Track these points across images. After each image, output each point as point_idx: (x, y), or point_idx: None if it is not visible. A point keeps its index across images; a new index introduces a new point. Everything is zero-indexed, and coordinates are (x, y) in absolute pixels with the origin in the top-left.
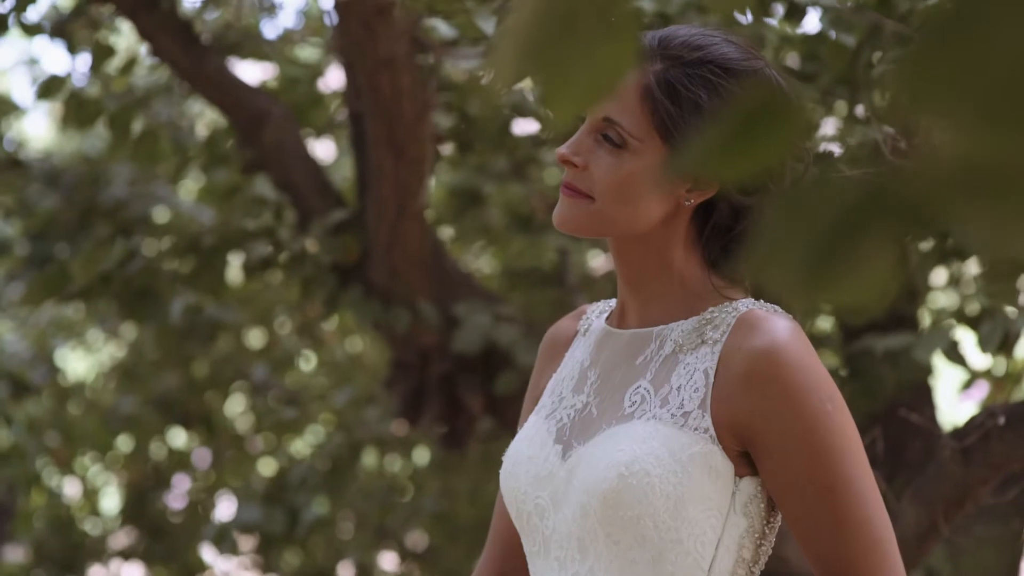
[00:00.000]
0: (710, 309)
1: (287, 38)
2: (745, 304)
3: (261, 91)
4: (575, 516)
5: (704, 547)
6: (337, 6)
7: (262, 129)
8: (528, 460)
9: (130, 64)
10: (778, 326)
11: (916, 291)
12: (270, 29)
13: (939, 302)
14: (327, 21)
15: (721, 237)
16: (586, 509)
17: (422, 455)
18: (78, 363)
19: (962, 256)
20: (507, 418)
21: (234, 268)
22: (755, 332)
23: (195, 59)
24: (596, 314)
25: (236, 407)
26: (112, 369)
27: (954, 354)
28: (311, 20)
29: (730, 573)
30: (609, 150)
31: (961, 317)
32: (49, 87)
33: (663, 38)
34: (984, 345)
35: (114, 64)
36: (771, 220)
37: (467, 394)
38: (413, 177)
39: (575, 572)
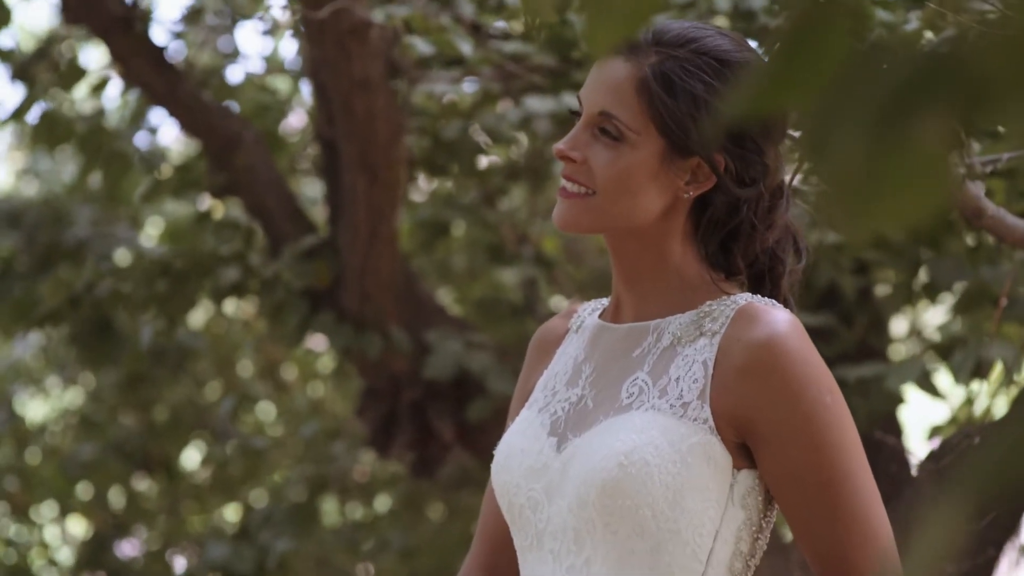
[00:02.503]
0: (708, 302)
1: (250, 82)
2: (744, 297)
3: (233, 116)
4: (571, 507)
5: (702, 538)
6: (311, 26)
7: (234, 153)
8: (521, 453)
9: (101, 85)
10: (778, 318)
11: (884, 324)
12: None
13: (909, 334)
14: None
15: (718, 231)
16: (583, 499)
17: (383, 502)
18: (37, 409)
19: (933, 292)
20: (479, 446)
21: (198, 310)
22: (755, 324)
23: (168, 82)
24: (588, 311)
25: (196, 455)
26: (71, 415)
27: (926, 383)
28: (274, 62)
29: (727, 565)
30: (607, 144)
31: (933, 347)
32: (21, 109)
33: (656, 31)
34: (957, 374)
35: (84, 86)
36: (826, 93)
37: (438, 422)
38: (386, 200)
39: (570, 564)
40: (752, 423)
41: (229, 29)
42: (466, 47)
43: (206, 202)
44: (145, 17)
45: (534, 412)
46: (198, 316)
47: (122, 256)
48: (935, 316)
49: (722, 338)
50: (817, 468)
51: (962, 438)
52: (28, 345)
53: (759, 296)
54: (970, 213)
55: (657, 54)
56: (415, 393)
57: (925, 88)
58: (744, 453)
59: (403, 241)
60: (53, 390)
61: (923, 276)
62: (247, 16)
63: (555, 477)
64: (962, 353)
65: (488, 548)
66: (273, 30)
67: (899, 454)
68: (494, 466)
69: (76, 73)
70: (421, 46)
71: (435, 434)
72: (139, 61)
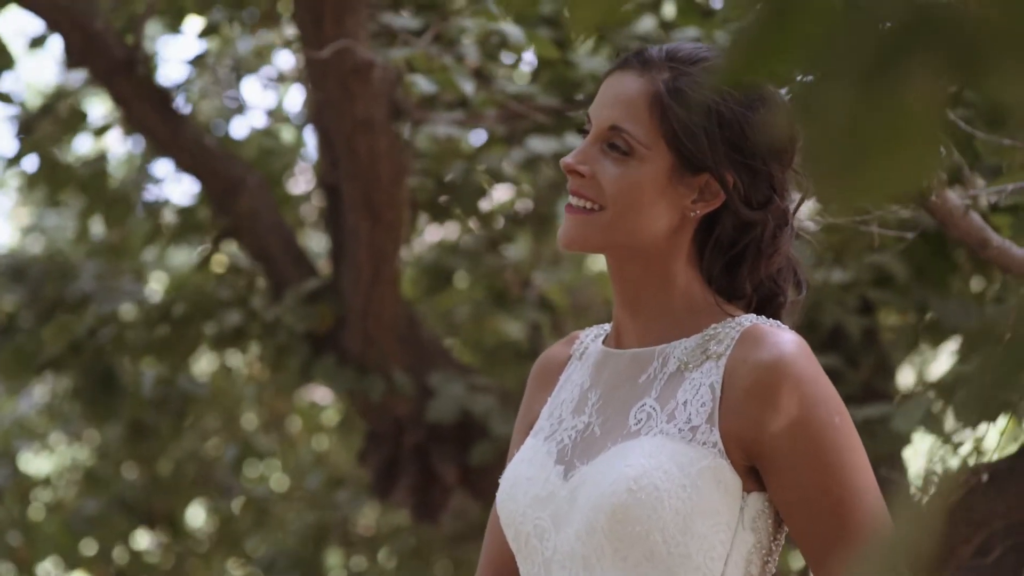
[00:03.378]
0: (712, 325)
1: (255, 133)
2: (749, 319)
3: (236, 160)
4: (579, 534)
5: (713, 563)
6: (314, 66)
7: (237, 198)
8: (527, 481)
9: (104, 130)
10: (784, 339)
11: (890, 366)
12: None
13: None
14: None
15: (723, 253)
16: (592, 526)
17: (388, 556)
18: (41, 465)
19: (939, 334)
20: (482, 489)
21: (201, 361)
22: (761, 345)
23: (171, 127)
24: (591, 338)
25: (200, 512)
26: (75, 470)
27: (932, 424)
28: (279, 114)
29: None
30: (616, 159)
31: (938, 387)
32: (19, 154)
33: (669, 49)
34: (961, 415)
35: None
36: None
37: (441, 465)
38: (389, 241)
39: None
40: (760, 445)
41: (234, 83)
42: (468, 86)
43: (208, 247)
44: (147, 61)
45: (540, 440)
46: (201, 367)
47: (127, 311)
48: (941, 364)
49: (728, 360)
50: (827, 489)
51: (969, 476)
52: (32, 402)
53: (764, 317)
54: (975, 243)
55: (671, 70)
56: (418, 436)
57: (916, 43)
58: (754, 476)
59: (407, 288)
60: (57, 446)
61: (928, 316)
62: (252, 70)
63: (562, 505)
64: (967, 394)
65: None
66: (278, 80)
67: (904, 492)
68: (499, 495)
69: (78, 118)
70: (423, 84)
71: (438, 478)
72: (141, 105)
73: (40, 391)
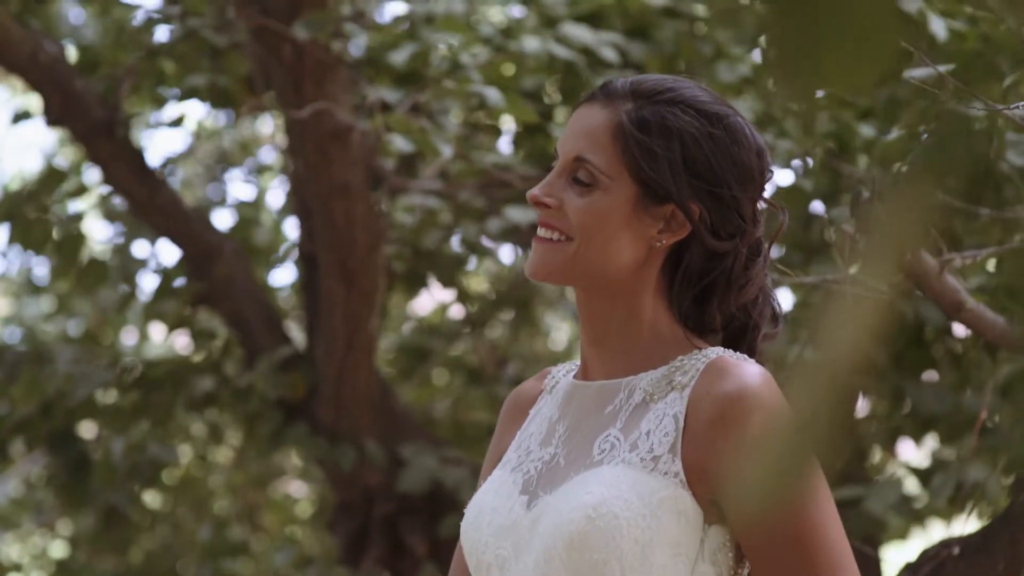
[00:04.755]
0: (679, 357)
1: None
2: (715, 351)
3: (213, 226)
4: (538, 563)
5: None
6: (294, 130)
7: (213, 263)
8: (492, 511)
9: (80, 190)
10: (748, 371)
11: (864, 450)
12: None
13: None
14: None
15: (692, 285)
16: (550, 553)
17: None
18: (12, 552)
19: (917, 425)
20: (451, 562)
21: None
22: (725, 377)
23: (148, 189)
24: (563, 373)
25: None
26: (47, 562)
27: (905, 508)
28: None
29: None
30: (580, 190)
31: (913, 471)
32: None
33: (634, 81)
34: (936, 497)
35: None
36: None
37: (411, 536)
38: (363, 309)
39: None
40: (720, 477)
41: (218, 174)
42: (446, 149)
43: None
44: (126, 122)
45: (507, 472)
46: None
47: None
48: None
49: (692, 391)
50: (787, 523)
51: (940, 549)
52: (5, 492)
53: (730, 351)
54: (949, 306)
55: (634, 101)
56: (388, 507)
57: None
58: (716, 508)
59: (384, 364)
60: (30, 537)
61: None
62: (236, 163)
63: (524, 534)
64: (942, 477)
65: None
66: (259, 172)
67: (874, 565)
68: (464, 524)
69: (55, 177)
70: (400, 143)
71: (407, 550)
72: (119, 166)
73: (15, 482)
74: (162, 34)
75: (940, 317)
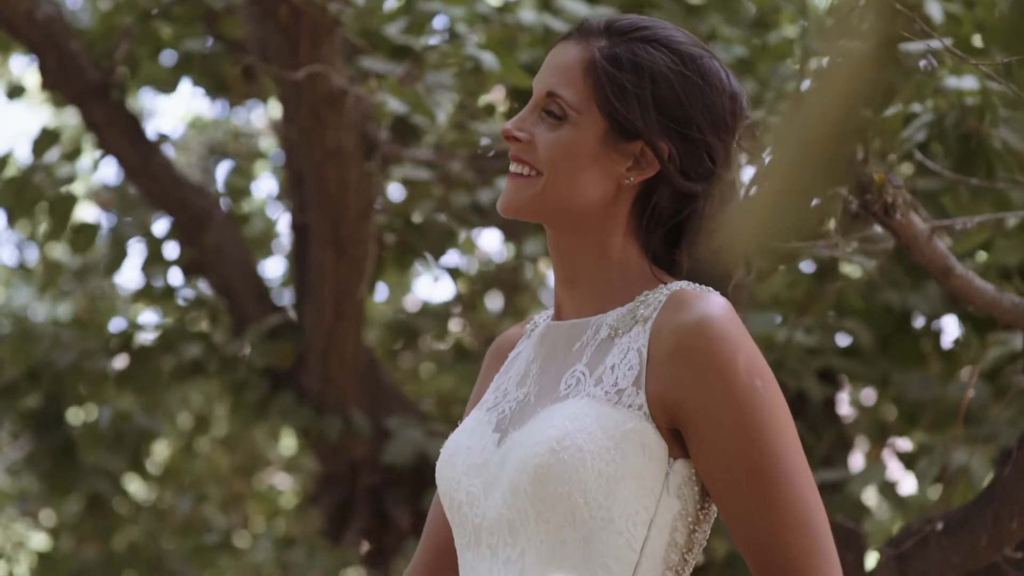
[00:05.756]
0: (644, 292)
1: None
2: (678, 284)
3: (205, 193)
4: (505, 498)
5: (636, 527)
6: (288, 95)
7: (204, 231)
8: (467, 450)
9: (75, 153)
10: (709, 301)
11: (849, 439)
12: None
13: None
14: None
15: (661, 224)
16: (516, 487)
17: None
18: None
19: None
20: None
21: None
22: (685, 307)
23: (141, 154)
24: (544, 318)
25: None
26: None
27: (889, 491)
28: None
29: (662, 556)
30: (551, 123)
31: (898, 454)
32: None
33: (609, 20)
34: (921, 480)
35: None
36: None
37: (395, 509)
38: (353, 276)
39: (506, 557)
40: (682, 407)
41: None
42: (441, 113)
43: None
44: (121, 86)
45: (483, 412)
46: (161, 449)
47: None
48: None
49: (653, 323)
50: (747, 453)
51: (923, 524)
52: None
53: (694, 284)
54: (938, 271)
55: (608, 38)
56: (373, 479)
57: None
58: (680, 442)
59: (372, 346)
60: (12, 524)
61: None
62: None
63: (494, 471)
64: (927, 461)
65: (432, 552)
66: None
67: (857, 539)
68: (439, 463)
69: (48, 137)
70: (395, 105)
71: (392, 522)
72: (113, 130)
73: None
74: None
75: (928, 307)
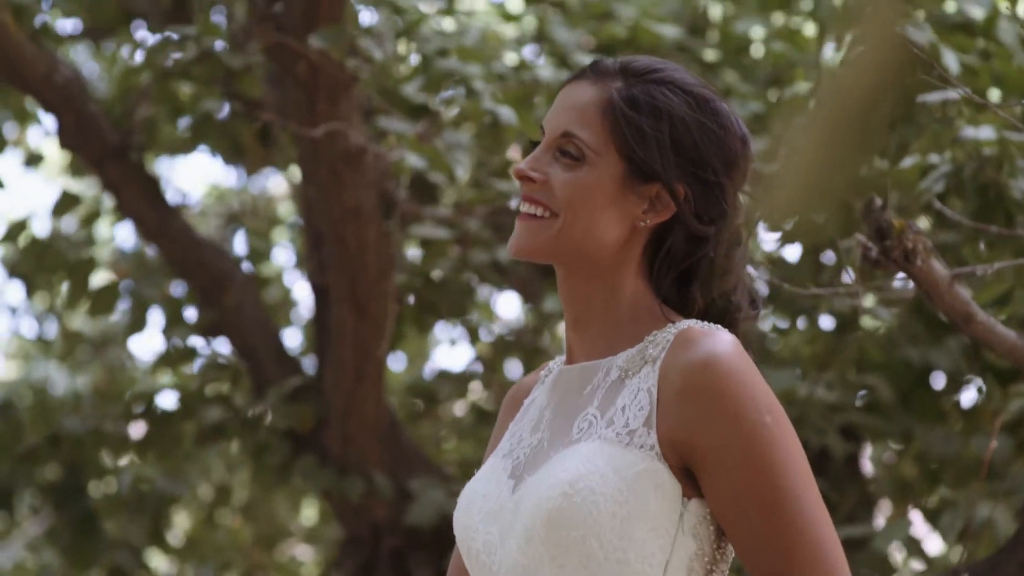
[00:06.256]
0: (653, 332)
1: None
2: (686, 323)
3: (224, 254)
4: (520, 544)
5: (652, 569)
6: (306, 153)
7: (223, 292)
8: (482, 498)
9: (93, 217)
10: (716, 339)
11: (872, 496)
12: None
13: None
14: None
15: (674, 267)
16: (530, 533)
17: None
18: None
19: (927, 481)
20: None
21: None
22: (692, 346)
23: (160, 215)
24: (557, 363)
25: None
26: None
27: (913, 546)
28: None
29: None
30: (567, 164)
31: (922, 510)
32: (12, 232)
33: (624, 61)
34: (945, 535)
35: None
36: None
37: (419, 571)
38: (373, 336)
39: None
40: (693, 446)
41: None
42: (460, 169)
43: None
44: (140, 147)
45: (498, 458)
46: (182, 520)
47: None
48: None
49: (662, 363)
50: (759, 490)
51: (949, 575)
52: (10, 556)
53: (702, 322)
54: (959, 317)
55: (624, 79)
56: (396, 541)
57: None
58: (694, 481)
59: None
60: None
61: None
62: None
63: (508, 518)
64: (950, 516)
65: None
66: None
67: None
68: (456, 511)
69: (68, 200)
70: (413, 160)
71: None
72: (132, 192)
73: (18, 546)
74: (175, 56)
75: (948, 362)
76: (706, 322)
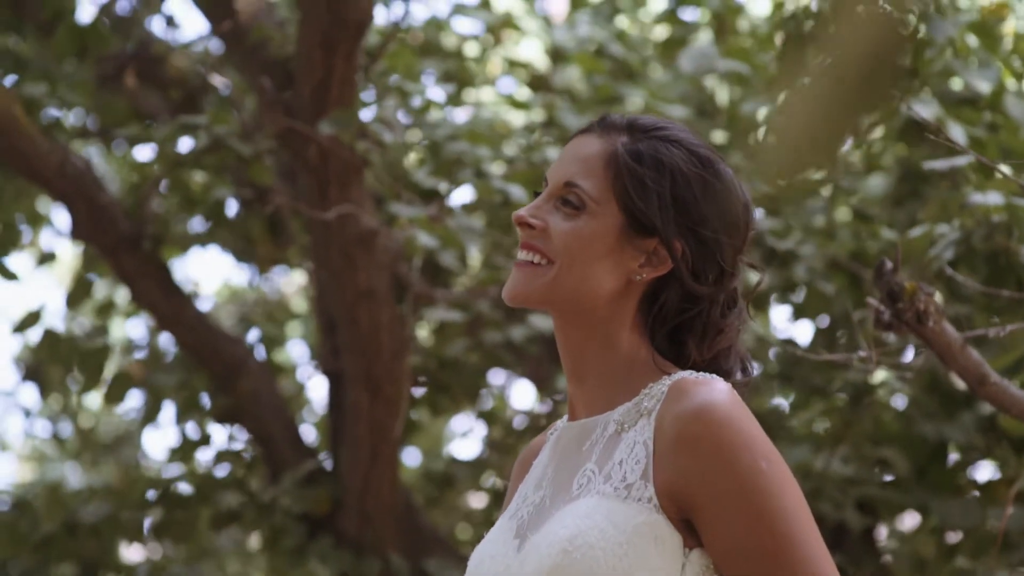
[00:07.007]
0: (649, 385)
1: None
2: (680, 374)
3: (239, 341)
4: None
5: None
6: (318, 238)
7: (238, 378)
8: (490, 560)
9: (107, 307)
10: (710, 388)
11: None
12: None
13: None
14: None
15: (668, 322)
16: None
17: None
18: None
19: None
20: None
21: None
22: (686, 396)
23: (174, 304)
24: (563, 421)
25: None
26: None
27: None
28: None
29: None
30: (567, 213)
31: None
32: (25, 322)
33: (631, 118)
34: None
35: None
36: None
37: None
38: (388, 417)
39: None
40: (689, 496)
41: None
42: (473, 248)
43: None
44: (154, 237)
45: (505, 519)
46: None
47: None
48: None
49: (657, 414)
50: (760, 537)
51: None
52: None
53: (695, 372)
54: (973, 379)
55: (630, 135)
56: None
57: None
58: (695, 531)
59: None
60: None
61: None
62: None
63: None
64: None
65: None
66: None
67: None
68: (466, 574)
69: (82, 288)
70: (425, 239)
71: None
72: (146, 282)
73: None
74: (187, 145)
75: (962, 435)
76: (700, 372)
